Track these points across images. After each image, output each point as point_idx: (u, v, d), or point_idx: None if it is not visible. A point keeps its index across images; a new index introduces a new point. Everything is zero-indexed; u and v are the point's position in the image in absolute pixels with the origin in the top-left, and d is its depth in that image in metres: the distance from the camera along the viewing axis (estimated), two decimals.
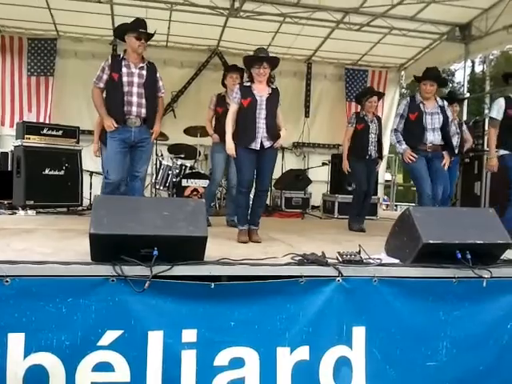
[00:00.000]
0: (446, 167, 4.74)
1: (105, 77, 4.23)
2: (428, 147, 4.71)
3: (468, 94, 9.75)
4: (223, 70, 5.90)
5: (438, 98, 4.83)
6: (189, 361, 2.52)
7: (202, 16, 7.71)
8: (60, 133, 6.46)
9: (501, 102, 4.79)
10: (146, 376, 2.48)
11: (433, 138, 4.72)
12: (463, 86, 9.73)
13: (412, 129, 4.76)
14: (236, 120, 4.10)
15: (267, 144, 4.05)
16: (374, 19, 7.83)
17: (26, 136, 6.13)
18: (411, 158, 4.64)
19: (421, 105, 4.76)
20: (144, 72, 4.28)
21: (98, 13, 7.72)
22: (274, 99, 4.12)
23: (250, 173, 4.10)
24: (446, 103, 4.85)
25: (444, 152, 4.75)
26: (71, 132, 6.59)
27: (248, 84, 4.13)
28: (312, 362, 2.68)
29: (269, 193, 4.47)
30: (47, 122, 8.04)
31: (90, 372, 2.44)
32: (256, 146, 4.02)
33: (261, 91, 4.07)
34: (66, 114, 8.09)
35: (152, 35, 4.37)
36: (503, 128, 4.74)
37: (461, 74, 15.26)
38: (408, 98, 4.96)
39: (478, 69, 22.18)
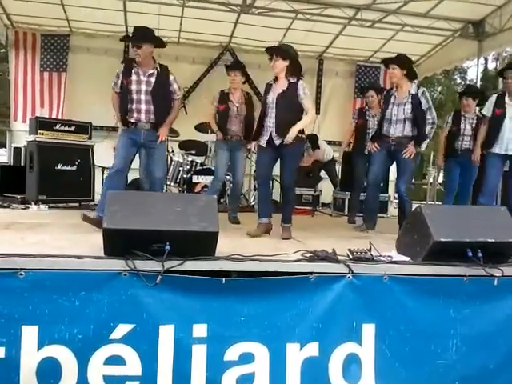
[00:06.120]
0: (407, 157, 4.46)
1: (119, 82, 4.33)
2: (391, 140, 4.60)
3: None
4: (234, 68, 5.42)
5: (413, 86, 4.55)
6: (199, 355, 2.55)
7: (214, 12, 7.71)
8: (72, 128, 6.54)
9: (492, 99, 4.83)
10: (157, 370, 2.51)
11: (394, 130, 4.57)
12: (476, 83, 9.64)
13: (380, 121, 4.79)
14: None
15: (278, 142, 4.06)
16: (387, 16, 7.78)
17: (39, 131, 6.21)
18: (374, 148, 4.73)
19: (392, 97, 4.62)
20: (152, 79, 4.27)
21: (111, 9, 7.76)
22: (289, 94, 4.03)
23: (261, 167, 4.25)
24: (421, 90, 4.53)
25: (410, 143, 4.50)
26: (83, 128, 6.66)
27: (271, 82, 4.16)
28: (321, 358, 2.69)
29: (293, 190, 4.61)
30: (59, 117, 8.08)
31: (101, 365, 2.47)
32: (264, 142, 4.12)
33: (278, 88, 4.08)
34: (78, 109, 8.11)
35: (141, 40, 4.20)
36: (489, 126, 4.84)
37: (473, 72, 15.16)
38: (388, 89, 4.89)
39: (491, 66, 21.93)
